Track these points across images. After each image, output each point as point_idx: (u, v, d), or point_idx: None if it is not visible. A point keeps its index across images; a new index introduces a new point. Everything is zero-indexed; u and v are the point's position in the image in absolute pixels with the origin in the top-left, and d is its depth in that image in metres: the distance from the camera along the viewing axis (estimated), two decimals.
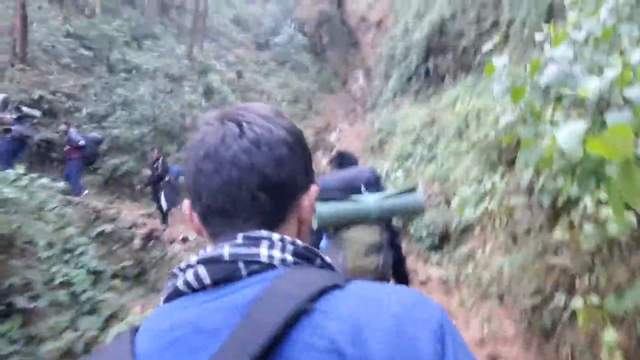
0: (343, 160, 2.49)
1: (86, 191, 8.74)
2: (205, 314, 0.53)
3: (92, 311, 6.36)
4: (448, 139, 6.89)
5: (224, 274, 0.56)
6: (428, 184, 5.73)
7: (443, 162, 6.08)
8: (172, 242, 7.43)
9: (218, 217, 0.61)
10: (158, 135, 10.62)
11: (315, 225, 1.87)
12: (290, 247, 0.59)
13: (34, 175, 5.84)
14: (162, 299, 0.61)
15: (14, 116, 7.78)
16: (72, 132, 8.49)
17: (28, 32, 10.65)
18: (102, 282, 6.93)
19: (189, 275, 0.57)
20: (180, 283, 0.57)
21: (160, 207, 8.81)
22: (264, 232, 0.59)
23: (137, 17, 15.95)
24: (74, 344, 5.78)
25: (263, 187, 0.60)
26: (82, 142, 8.41)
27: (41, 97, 9.78)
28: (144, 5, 17.82)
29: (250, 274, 0.56)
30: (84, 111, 10.36)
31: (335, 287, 0.54)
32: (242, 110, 0.64)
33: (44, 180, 6.02)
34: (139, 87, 11.34)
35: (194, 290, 0.57)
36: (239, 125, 0.62)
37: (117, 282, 7.07)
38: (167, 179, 8.84)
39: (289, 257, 0.58)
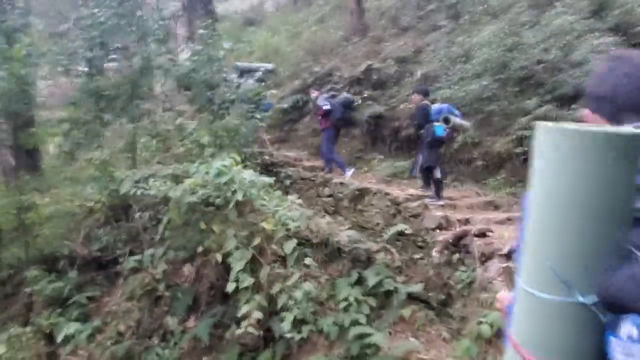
0: None
1: (351, 170, 7.23)
2: None
3: (360, 357, 4.35)
4: None
5: None
6: None
7: None
8: (487, 257, 4.39)
9: (630, 112, 0.94)
10: (506, 87, 7.44)
11: None
12: None
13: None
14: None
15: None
16: (317, 98, 7.38)
17: (363, 2, 9.78)
18: (390, 308, 4.81)
19: None
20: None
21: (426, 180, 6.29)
22: None
23: None
24: None
25: None
26: (326, 107, 7.07)
27: (369, 69, 8.59)
28: None
29: None
30: (418, 73, 8.49)
31: None
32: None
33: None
34: (485, 28, 8.41)
35: None
36: None
37: (412, 309, 4.75)
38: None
39: None
